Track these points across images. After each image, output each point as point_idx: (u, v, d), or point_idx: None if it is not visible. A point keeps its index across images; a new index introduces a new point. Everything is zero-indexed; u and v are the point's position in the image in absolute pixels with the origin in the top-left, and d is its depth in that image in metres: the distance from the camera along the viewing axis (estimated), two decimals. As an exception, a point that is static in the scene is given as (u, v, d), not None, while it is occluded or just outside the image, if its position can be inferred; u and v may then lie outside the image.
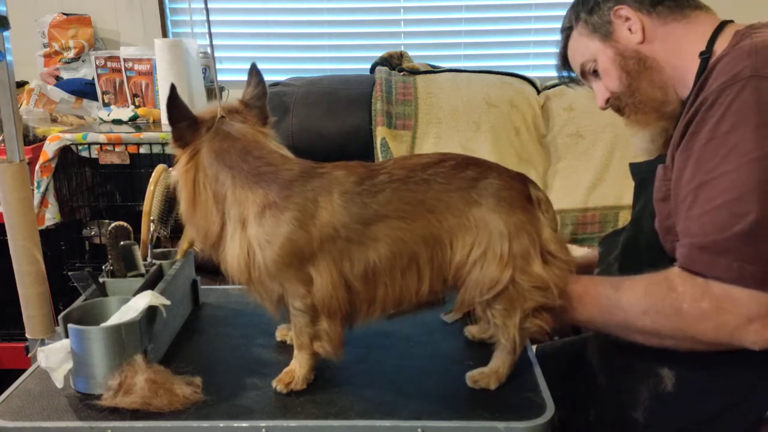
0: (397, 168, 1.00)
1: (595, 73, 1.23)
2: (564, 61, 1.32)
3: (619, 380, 1.16)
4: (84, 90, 2.59)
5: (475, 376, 1.03)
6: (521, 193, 1.01)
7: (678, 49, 1.12)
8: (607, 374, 1.19)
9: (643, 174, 1.19)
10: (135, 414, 0.95)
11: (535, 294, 0.99)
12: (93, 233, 2.29)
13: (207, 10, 1.10)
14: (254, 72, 1.11)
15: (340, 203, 0.96)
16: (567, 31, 1.28)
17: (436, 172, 0.99)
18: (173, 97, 1.00)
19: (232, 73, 2.82)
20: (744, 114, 0.94)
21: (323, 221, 0.96)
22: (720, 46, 1.07)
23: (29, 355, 1.17)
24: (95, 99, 2.58)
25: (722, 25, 1.11)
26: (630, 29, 1.16)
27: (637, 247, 1.16)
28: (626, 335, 1.04)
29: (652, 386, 1.09)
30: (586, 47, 1.23)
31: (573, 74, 1.32)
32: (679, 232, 1.02)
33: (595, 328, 1.09)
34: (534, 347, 1.28)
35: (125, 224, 1.22)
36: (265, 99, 1.10)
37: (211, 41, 1.13)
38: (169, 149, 1.06)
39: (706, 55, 1.07)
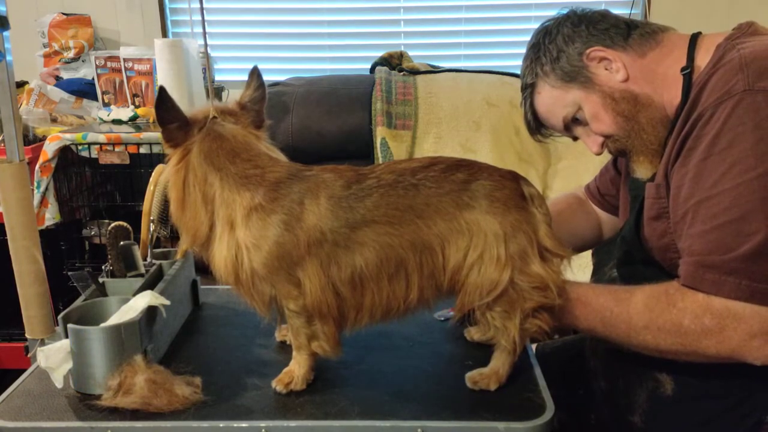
0: (386, 172, 0.99)
1: (576, 120, 1.17)
2: (536, 120, 1.23)
3: (617, 384, 1.15)
4: (84, 90, 2.59)
5: (474, 377, 1.03)
6: (515, 192, 1.00)
7: (663, 78, 1.09)
8: (606, 377, 1.19)
9: (638, 190, 1.17)
10: (135, 414, 0.95)
11: (534, 294, 0.98)
12: (93, 233, 2.30)
13: (202, 11, 1.10)
14: (255, 75, 1.10)
15: (327, 207, 0.96)
16: (530, 88, 1.20)
17: (426, 177, 0.98)
18: (162, 99, 0.99)
19: (232, 73, 2.82)
20: (741, 130, 0.94)
21: (310, 224, 0.95)
22: (701, 59, 1.05)
23: (29, 355, 1.17)
24: (95, 99, 2.58)
25: (693, 38, 1.09)
26: (608, 69, 1.10)
27: (633, 263, 1.15)
28: (628, 346, 1.04)
29: (650, 390, 1.09)
30: (563, 98, 1.15)
31: (548, 131, 1.25)
32: (680, 249, 1.02)
33: (596, 336, 1.09)
34: (534, 346, 1.27)
35: (125, 224, 1.22)
36: (263, 103, 1.10)
37: (205, 42, 1.13)
38: (164, 149, 1.06)
39: (687, 70, 1.05)
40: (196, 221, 1.01)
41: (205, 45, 1.18)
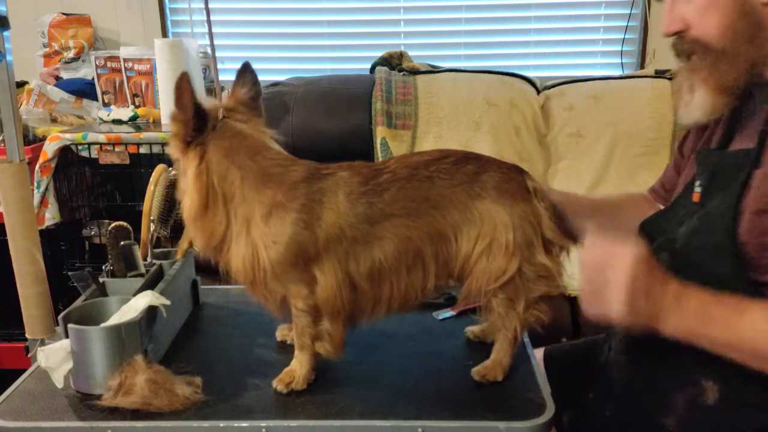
0: (401, 167, 1.01)
1: None
2: None
3: (649, 382, 1.08)
4: (84, 90, 2.59)
5: (480, 371, 1.04)
6: (520, 184, 1.03)
7: None
8: (635, 374, 1.11)
9: (716, 166, 1.02)
10: (135, 414, 0.94)
11: (539, 283, 1.01)
12: (93, 233, 2.30)
13: (207, 10, 1.10)
14: (249, 71, 1.08)
15: (345, 204, 0.97)
16: None
17: (439, 169, 1.01)
18: (185, 85, 0.95)
19: (232, 72, 2.81)
20: None
21: (329, 222, 0.96)
22: None
23: (29, 355, 1.17)
24: (95, 99, 2.58)
25: None
26: None
27: (703, 249, 1.00)
28: (754, 364, 0.91)
29: (690, 396, 1.01)
30: None
31: None
32: None
33: (715, 348, 0.93)
34: (542, 349, 1.27)
35: (125, 224, 1.22)
36: (260, 99, 1.08)
37: (211, 40, 1.13)
38: (170, 148, 1.03)
39: None
40: (213, 221, 1.00)
41: (212, 44, 1.18)
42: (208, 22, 1.01)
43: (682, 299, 0.92)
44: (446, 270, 1.02)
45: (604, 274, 0.92)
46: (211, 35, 1.14)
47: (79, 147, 2.15)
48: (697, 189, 1.05)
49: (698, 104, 1.01)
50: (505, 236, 0.99)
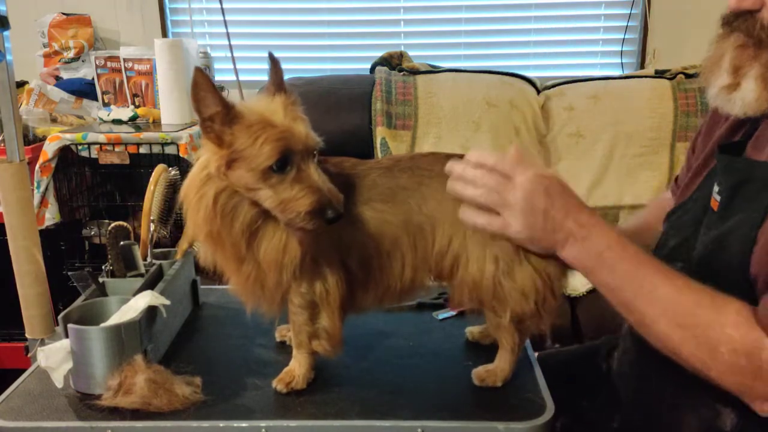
0: (385, 159, 1.05)
1: None
2: None
3: (661, 399, 1.03)
4: (84, 90, 2.59)
5: (481, 374, 1.04)
6: None
7: None
8: (642, 388, 1.07)
9: (742, 173, 0.91)
10: (135, 414, 0.94)
11: (521, 300, 0.97)
12: (93, 233, 2.30)
13: (223, 10, 1.10)
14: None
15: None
16: None
17: (420, 162, 1.03)
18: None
19: (228, 73, 2.81)
20: None
21: None
22: None
23: (29, 355, 1.17)
24: (95, 99, 2.59)
25: None
26: None
27: (719, 273, 0.91)
28: (639, 327, 0.88)
29: (705, 420, 0.96)
30: None
31: None
32: None
33: (605, 294, 0.91)
34: (534, 354, 1.27)
35: (125, 224, 1.22)
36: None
37: (230, 41, 1.13)
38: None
39: None
40: None
41: (230, 45, 1.18)
42: (225, 22, 1.01)
43: (589, 237, 0.89)
44: (425, 264, 1.01)
45: (501, 186, 0.90)
46: (228, 36, 1.14)
47: (79, 147, 2.15)
48: (716, 195, 0.96)
49: (742, 98, 0.91)
50: (479, 247, 0.97)
